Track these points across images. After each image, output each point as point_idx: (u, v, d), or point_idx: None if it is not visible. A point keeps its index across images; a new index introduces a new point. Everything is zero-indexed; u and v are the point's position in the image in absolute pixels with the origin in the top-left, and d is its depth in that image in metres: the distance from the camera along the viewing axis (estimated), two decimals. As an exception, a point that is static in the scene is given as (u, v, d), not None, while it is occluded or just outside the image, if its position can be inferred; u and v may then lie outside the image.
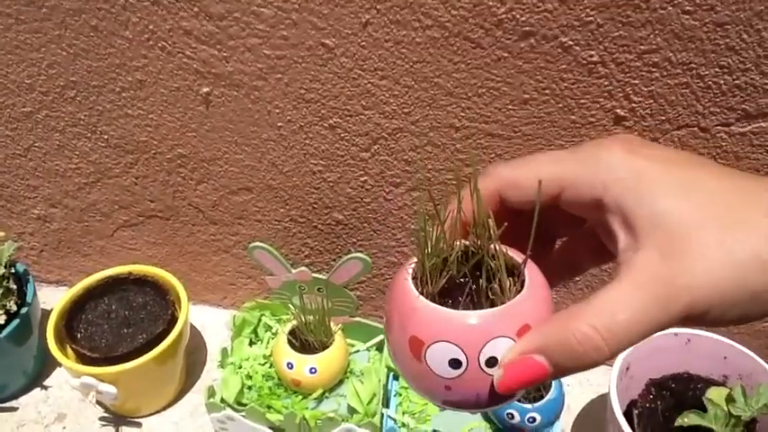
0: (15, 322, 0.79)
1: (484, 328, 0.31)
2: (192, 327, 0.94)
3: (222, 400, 0.78)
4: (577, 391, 0.88)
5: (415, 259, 0.35)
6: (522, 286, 0.33)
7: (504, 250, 0.34)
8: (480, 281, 0.34)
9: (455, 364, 0.32)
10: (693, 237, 0.28)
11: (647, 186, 0.30)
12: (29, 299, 0.82)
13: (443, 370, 0.32)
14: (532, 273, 0.34)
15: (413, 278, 0.34)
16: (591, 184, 0.32)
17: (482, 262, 0.34)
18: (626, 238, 0.30)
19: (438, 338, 0.32)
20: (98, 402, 0.85)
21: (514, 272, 0.34)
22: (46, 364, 0.90)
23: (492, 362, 0.31)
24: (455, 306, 0.34)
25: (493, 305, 0.32)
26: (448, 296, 0.35)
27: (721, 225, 0.28)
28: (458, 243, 0.35)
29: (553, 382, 0.74)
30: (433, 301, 0.33)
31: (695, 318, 0.28)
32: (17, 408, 0.86)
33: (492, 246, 0.34)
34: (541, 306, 0.33)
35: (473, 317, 0.32)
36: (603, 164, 0.31)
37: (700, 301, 0.28)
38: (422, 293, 0.33)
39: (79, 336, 0.80)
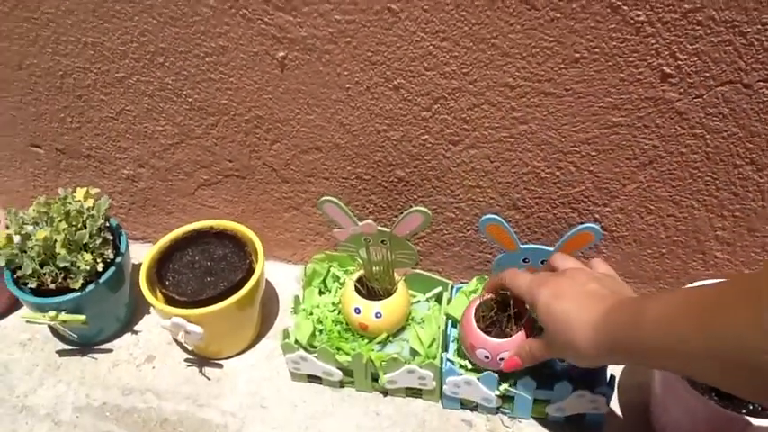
0: (111, 270, 0.88)
1: (499, 346, 0.77)
2: (266, 280, 1.02)
3: (296, 342, 0.85)
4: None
5: (478, 302, 0.81)
6: (520, 328, 0.78)
7: (516, 309, 0.79)
8: (504, 320, 0.79)
9: (486, 357, 0.78)
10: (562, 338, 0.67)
11: (548, 312, 0.68)
12: (122, 249, 0.90)
13: (482, 358, 0.79)
14: (526, 323, 0.78)
15: (474, 316, 0.79)
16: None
17: (507, 311, 0.79)
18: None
19: (480, 347, 0.78)
20: (183, 346, 0.93)
21: (520, 318, 0.78)
22: (136, 312, 0.99)
23: (501, 359, 0.76)
24: (491, 332, 0.78)
25: (507, 335, 0.77)
26: (491, 325, 0.79)
27: (573, 334, 0.65)
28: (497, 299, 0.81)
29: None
30: (482, 329, 0.78)
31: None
32: (112, 350, 0.95)
33: (511, 306, 0.79)
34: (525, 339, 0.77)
35: (496, 342, 0.77)
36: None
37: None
38: (477, 325, 0.78)
39: (168, 282, 0.88)
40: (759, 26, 0.64)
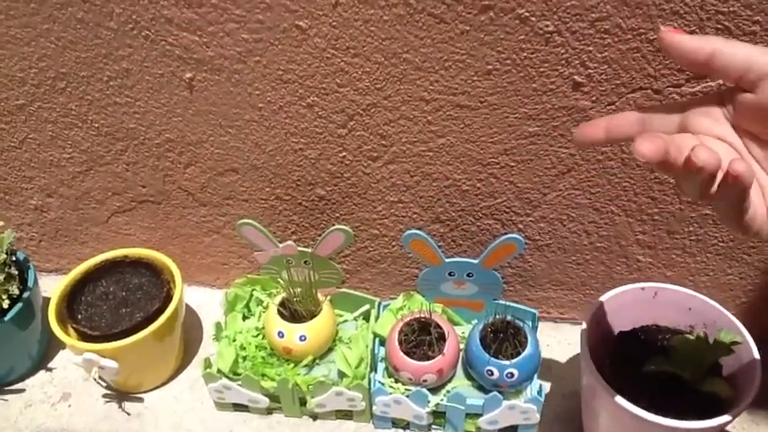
0: (18, 306, 0.83)
1: (421, 369, 0.78)
2: (188, 307, 0.99)
3: (218, 371, 0.82)
4: (557, 350, 0.92)
5: (401, 324, 0.82)
6: (442, 350, 0.79)
7: (438, 326, 0.81)
8: (427, 340, 0.80)
9: (409, 379, 0.79)
10: None
11: None
12: (30, 284, 0.86)
13: (406, 380, 0.79)
14: (451, 340, 0.80)
15: (397, 338, 0.80)
16: None
17: (429, 334, 0.81)
18: None
19: (403, 369, 0.79)
20: (101, 380, 0.89)
21: (443, 338, 0.80)
22: (49, 348, 0.94)
23: (424, 383, 0.79)
24: (414, 354, 0.79)
25: (429, 358, 0.78)
26: (415, 347, 0.80)
27: None
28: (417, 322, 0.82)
29: (529, 340, 0.78)
30: (404, 352, 0.79)
31: None
32: (24, 389, 0.90)
33: (433, 327, 0.81)
34: (449, 361, 0.79)
35: (417, 364, 0.78)
36: None
37: None
38: (400, 347, 0.79)
39: (80, 316, 0.84)
40: (665, 33, 0.65)
